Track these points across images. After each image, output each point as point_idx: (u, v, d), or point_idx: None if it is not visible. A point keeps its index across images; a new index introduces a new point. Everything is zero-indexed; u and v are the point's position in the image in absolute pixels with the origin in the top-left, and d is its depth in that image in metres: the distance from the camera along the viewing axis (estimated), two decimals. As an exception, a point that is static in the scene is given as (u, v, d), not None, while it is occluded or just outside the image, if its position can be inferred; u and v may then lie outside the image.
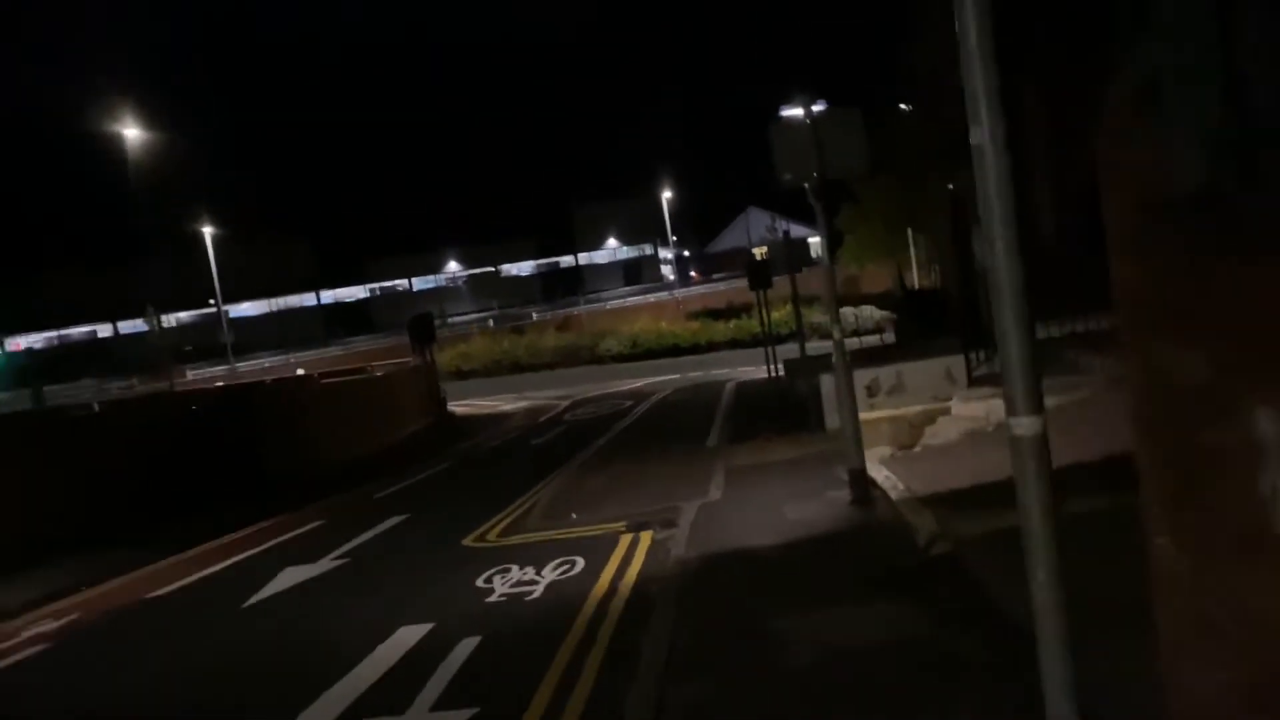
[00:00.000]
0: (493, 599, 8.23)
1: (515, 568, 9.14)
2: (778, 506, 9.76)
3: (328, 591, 9.73)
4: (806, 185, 9.13)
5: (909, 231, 38.20)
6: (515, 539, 10.64)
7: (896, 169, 35.74)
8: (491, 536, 10.96)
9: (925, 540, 7.35)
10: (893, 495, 8.64)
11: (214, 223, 58.06)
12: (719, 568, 7.98)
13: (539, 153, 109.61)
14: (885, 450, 10.48)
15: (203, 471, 17.53)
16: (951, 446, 10.04)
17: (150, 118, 41.71)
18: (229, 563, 12.13)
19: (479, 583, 8.78)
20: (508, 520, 11.76)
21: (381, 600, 8.93)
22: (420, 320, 29.71)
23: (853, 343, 32.54)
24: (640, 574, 8.35)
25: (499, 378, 40.58)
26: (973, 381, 13.95)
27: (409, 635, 7.53)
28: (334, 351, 51.80)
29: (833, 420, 14.20)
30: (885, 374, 14.12)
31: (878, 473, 9.59)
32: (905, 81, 31.41)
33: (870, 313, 39.45)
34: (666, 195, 58.21)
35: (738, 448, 14.67)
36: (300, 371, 45.03)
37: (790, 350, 33.36)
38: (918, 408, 10.52)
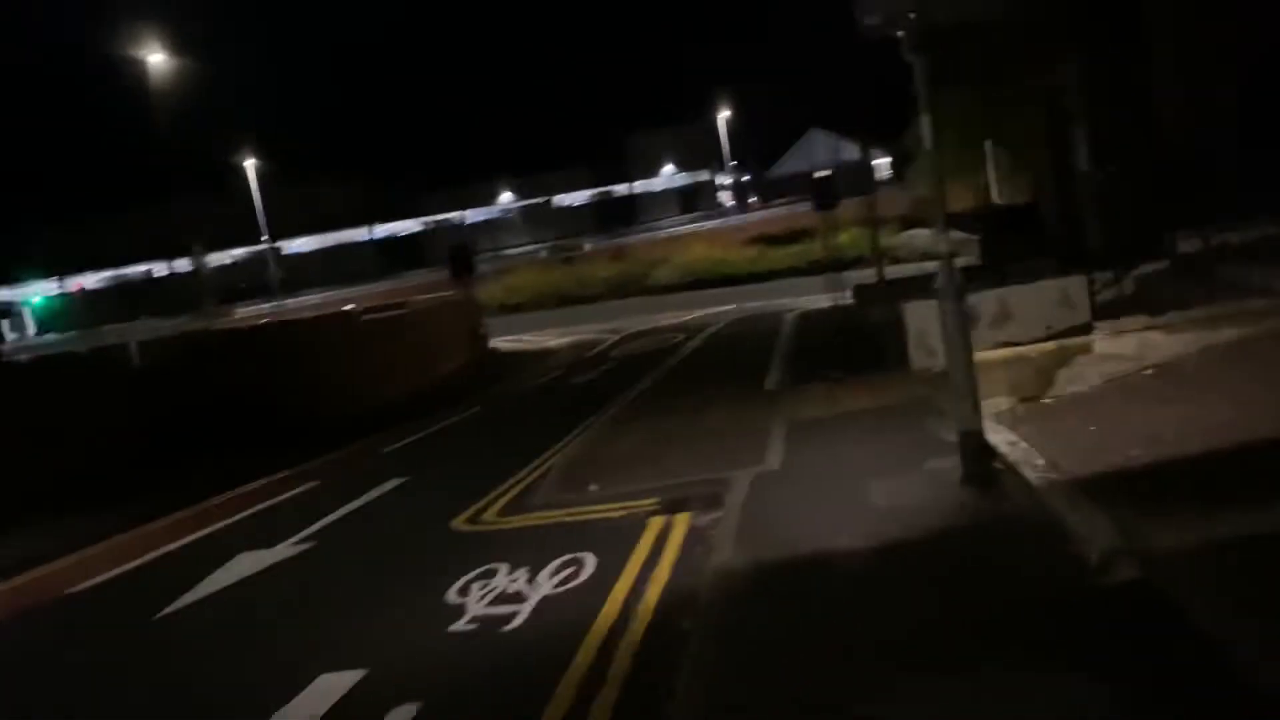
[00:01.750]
0: (459, 625, 5.78)
1: (503, 569, 6.68)
2: (859, 483, 7.11)
3: (263, 598, 7.41)
4: (900, 32, 6.30)
5: (986, 145, 34.45)
6: (516, 520, 8.19)
7: (971, 75, 32.03)
8: (490, 515, 8.52)
9: (1099, 556, 4.66)
10: (1029, 474, 5.92)
11: (265, 159, 56.26)
12: (779, 589, 5.41)
13: (593, 77, 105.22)
14: (1002, 402, 7.71)
15: (211, 420, 15.54)
16: (1099, 397, 7.24)
17: (199, 50, 39.49)
18: (187, 540, 9.93)
19: (450, 595, 6.34)
20: (518, 489, 9.32)
21: (316, 620, 6.57)
22: (458, 251, 27.32)
23: (926, 267, 29.33)
24: (668, 588, 5.81)
25: (547, 311, 38.12)
26: (1098, 310, 11.02)
27: (327, 689, 5.13)
28: (383, 286, 49.83)
29: (920, 358, 11.42)
30: (986, 301, 11.24)
31: (999, 436, 6.87)
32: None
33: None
34: (724, 116, 54.38)
35: (802, 393, 11.98)
36: (349, 307, 43.21)
37: (858, 277, 30.29)
38: (1045, 344, 7.71)
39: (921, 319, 11.40)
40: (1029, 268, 18.64)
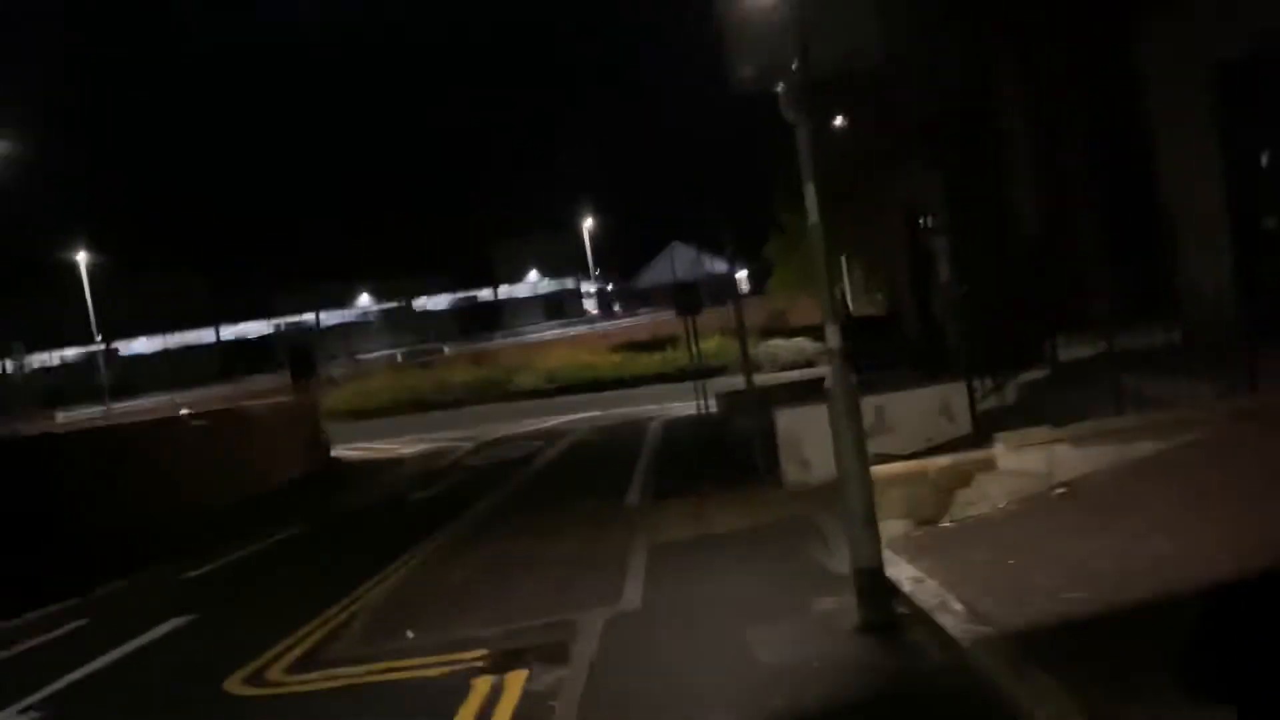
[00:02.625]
0: None
1: (270, 764, 4.92)
2: (735, 630, 5.73)
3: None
4: (779, 87, 5.25)
5: (843, 259, 34.94)
6: (305, 680, 6.39)
7: (829, 185, 32.61)
8: (276, 672, 6.67)
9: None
10: (947, 623, 4.67)
11: (102, 255, 52.35)
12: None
13: (455, 181, 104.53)
14: (896, 526, 6.53)
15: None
16: (1009, 521, 6.15)
17: (33, 137, 36.37)
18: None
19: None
20: (321, 633, 7.49)
21: None
22: (298, 352, 25.16)
23: (785, 377, 28.89)
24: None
25: (402, 417, 35.88)
26: (980, 420, 10.18)
27: None
28: (225, 390, 46.37)
29: (794, 471, 10.30)
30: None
31: (899, 570, 5.64)
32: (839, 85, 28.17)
33: (801, 345, 35.96)
34: (588, 225, 54.31)
35: (666, 510, 10.62)
36: (185, 411, 39.82)
37: (723, 384, 29.53)
38: (939, 459, 6.64)
39: (794, 428, 10.34)
40: (894, 377, 18.16)
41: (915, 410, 10.24)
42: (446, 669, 6.07)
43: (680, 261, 67.90)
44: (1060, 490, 6.34)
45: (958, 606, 4.81)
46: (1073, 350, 10.45)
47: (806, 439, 10.25)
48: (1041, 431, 6.64)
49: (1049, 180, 13.85)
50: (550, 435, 25.75)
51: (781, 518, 8.97)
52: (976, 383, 10.24)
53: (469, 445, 26.66)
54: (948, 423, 10.26)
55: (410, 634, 6.92)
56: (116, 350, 61.41)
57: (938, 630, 4.73)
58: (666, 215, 74.12)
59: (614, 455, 17.71)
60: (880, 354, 20.75)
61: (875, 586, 5.33)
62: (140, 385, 57.66)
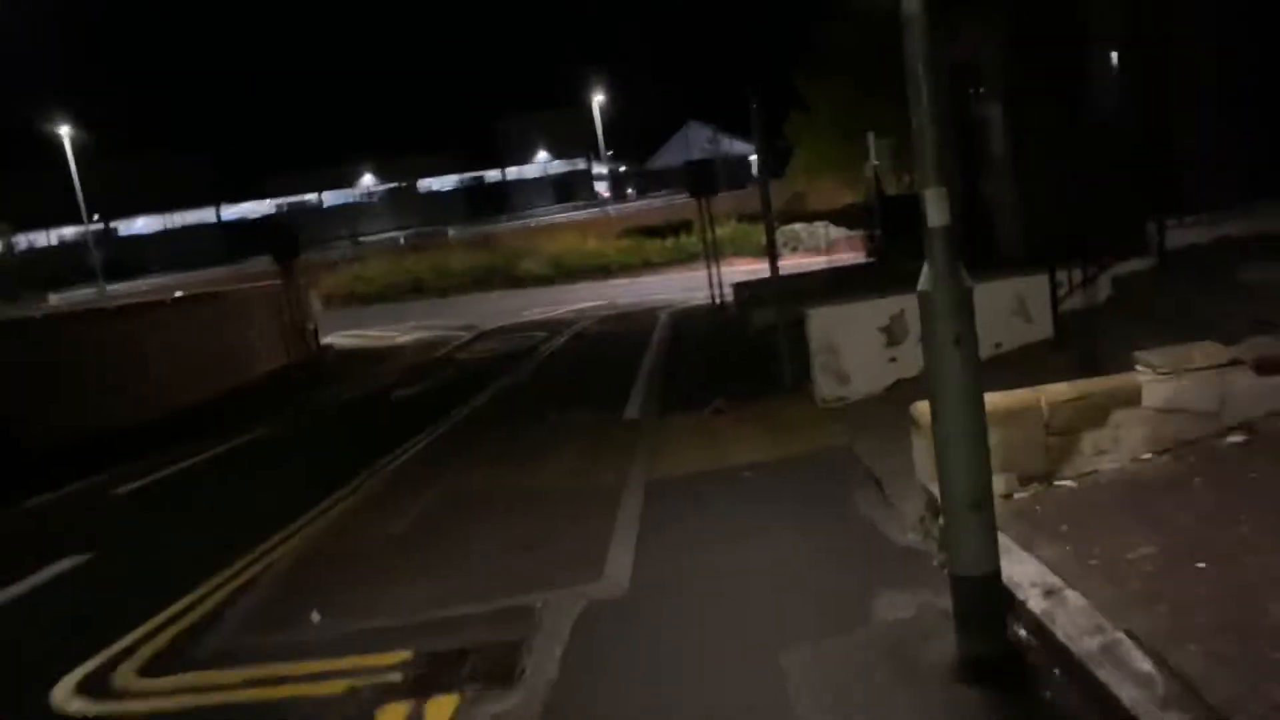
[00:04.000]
0: None
1: None
2: (762, 649, 3.80)
3: None
4: None
5: (870, 137, 32.13)
6: (159, 690, 4.55)
7: (854, 64, 29.60)
8: (126, 673, 4.81)
9: None
10: (1122, 693, 2.70)
11: (98, 130, 49.60)
12: None
13: (460, 54, 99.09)
14: (993, 483, 4.54)
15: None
16: (1168, 484, 4.13)
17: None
18: None
19: None
20: (211, 601, 5.64)
21: None
22: (277, 232, 23.06)
23: (807, 263, 26.56)
24: None
25: (403, 303, 33.91)
26: (1063, 322, 8.09)
27: None
28: (225, 271, 44.31)
29: (828, 384, 8.28)
30: (913, 306, 8.15)
31: (1014, 565, 3.67)
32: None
33: (824, 230, 33.55)
34: (599, 100, 50.81)
35: (672, 427, 8.66)
36: (178, 294, 38.03)
37: (741, 272, 27.32)
38: (1062, 389, 4.52)
39: (829, 331, 8.27)
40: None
41: (981, 308, 8.11)
42: (349, 682, 4.21)
43: (696, 141, 64.59)
44: (1239, 438, 4.30)
45: (1142, 664, 2.83)
46: (1182, 236, 8.26)
47: (844, 345, 8.21)
48: (1207, 349, 4.56)
49: (1145, 45, 11.29)
50: (553, 326, 23.82)
51: (816, 446, 6.99)
52: (1060, 274, 8.11)
53: (467, 336, 24.79)
54: (1023, 324, 8.16)
55: (317, 616, 5.05)
56: (115, 230, 59.30)
57: (1105, 697, 2.77)
58: (682, 92, 70.39)
59: (619, 353, 15.73)
60: (915, 239, 18.50)
61: (986, 604, 3.36)
62: (139, 266, 55.79)
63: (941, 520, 4.44)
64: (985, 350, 7.72)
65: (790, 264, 29.62)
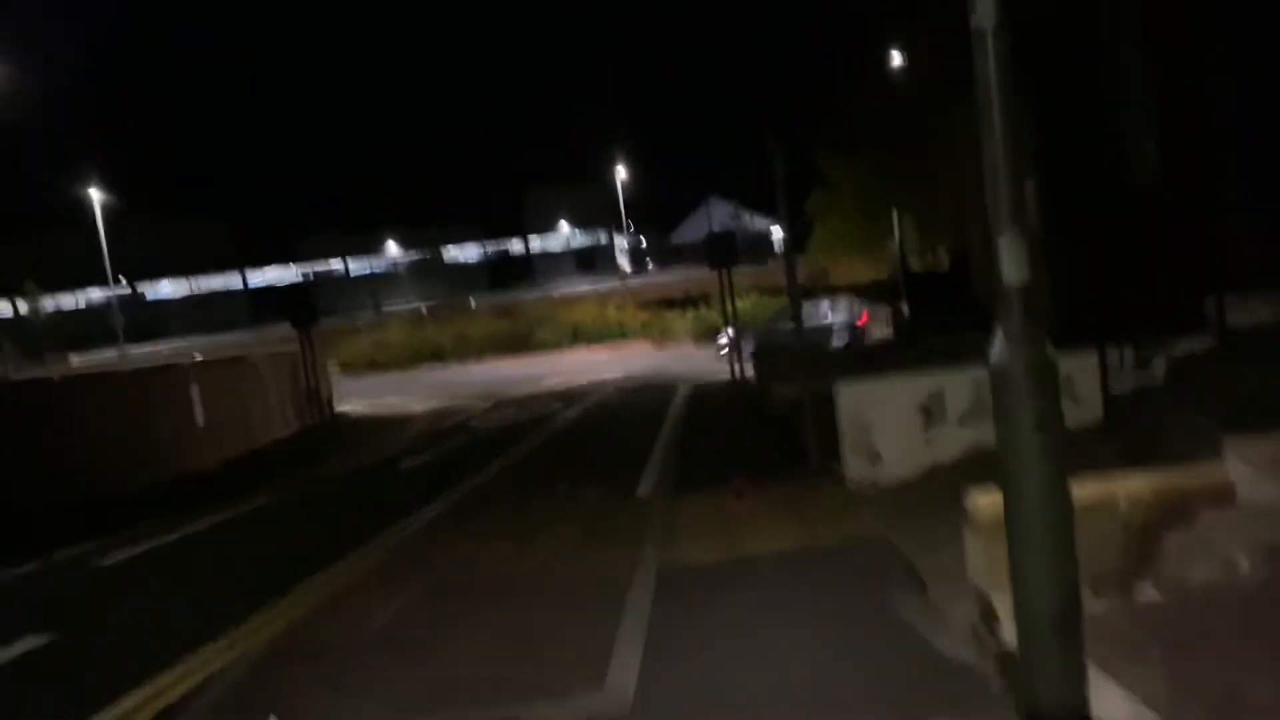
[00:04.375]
0: None
1: None
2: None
3: None
4: None
5: (894, 213, 31.82)
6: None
7: (876, 143, 29.39)
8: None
9: None
10: None
11: (124, 195, 50.29)
12: None
13: (487, 129, 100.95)
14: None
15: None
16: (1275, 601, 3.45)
17: (56, 76, 34.13)
18: None
19: None
20: (163, 700, 4.99)
21: None
22: (297, 297, 22.83)
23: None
24: None
25: (420, 371, 33.55)
26: (1113, 404, 7.44)
27: None
28: (243, 336, 44.30)
29: (859, 464, 7.63)
30: (953, 385, 7.53)
31: (1105, 703, 2.97)
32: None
33: (847, 303, 32.99)
34: (621, 175, 51.13)
35: (687, 508, 7.98)
36: (198, 357, 37.91)
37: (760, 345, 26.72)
38: (1139, 483, 3.88)
39: (861, 409, 7.64)
40: (969, 342, 15.23)
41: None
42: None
43: (717, 216, 64.81)
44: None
45: None
46: (1244, 312, 7.63)
47: (877, 424, 7.57)
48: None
49: (1181, 108, 10.84)
50: (570, 396, 23.27)
51: (847, 536, 6.31)
52: (1126, 352, 7.49)
53: (483, 405, 24.29)
54: (1071, 405, 7.48)
55: (274, 723, 4.38)
56: (142, 294, 59.74)
57: None
58: (704, 169, 70.98)
59: (633, 426, 15.13)
60: (947, 316, 17.93)
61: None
62: (164, 329, 56.02)
63: (1004, 635, 3.77)
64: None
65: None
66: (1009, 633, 3.69)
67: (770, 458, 9.61)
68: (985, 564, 3.96)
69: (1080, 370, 7.53)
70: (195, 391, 17.93)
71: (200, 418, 17.77)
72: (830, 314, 23.94)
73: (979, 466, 7.13)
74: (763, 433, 11.92)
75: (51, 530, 11.27)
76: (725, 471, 8.86)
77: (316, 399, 23.03)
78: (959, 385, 7.52)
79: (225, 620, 6.16)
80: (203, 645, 5.71)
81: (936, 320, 18.02)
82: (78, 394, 15.74)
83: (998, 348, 2.88)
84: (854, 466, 7.56)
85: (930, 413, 7.52)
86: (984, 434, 7.40)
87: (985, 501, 3.93)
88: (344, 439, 20.48)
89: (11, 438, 13.04)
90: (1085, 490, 4.01)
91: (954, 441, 7.48)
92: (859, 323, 23.94)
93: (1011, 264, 2.81)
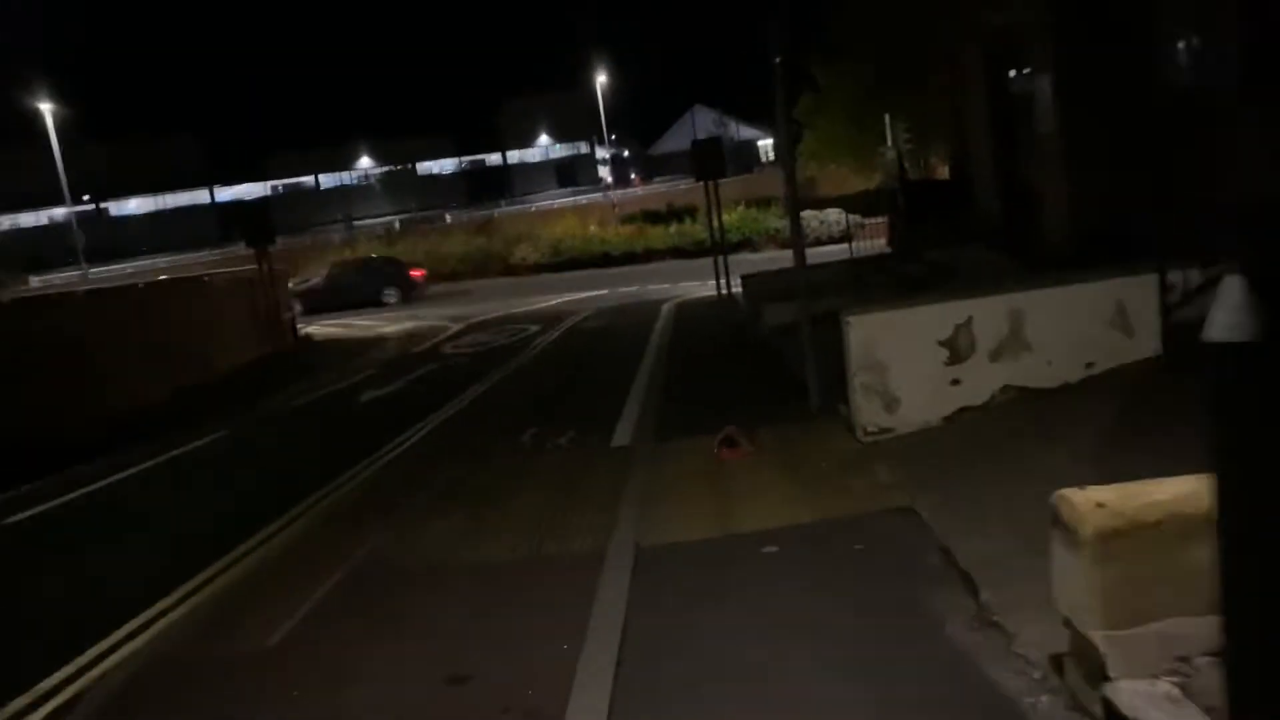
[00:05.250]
0: None
1: None
2: None
3: None
4: None
5: (886, 118, 30.14)
6: None
7: (869, 50, 27.54)
8: None
9: None
10: None
11: (85, 109, 47.72)
12: None
13: (461, 35, 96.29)
14: (1095, 641, 2.73)
15: None
16: None
17: None
18: None
19: None
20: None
21: None
22: (252, 215, 21.27)
23: (820, 253, 24.61)
24: None
25: (393, 290, 31.98)
26: (1174, 333, 6.27)
27: None
28: (210, 257, 42.44)
29: (870, 409, 6.47)
30: (984, 313, 6.32)
31: None
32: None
33: (836, 216, 31.59)
34: (601, 82, 48.56)
35: (671, 463, 6.82)
36: (162, 277, 36.31)
37: (751, 261, 25.56)
38: (1186, 486, 2.76)
39: (875, 344, 6.43)
40: (977, 262, 13.99)
41: (1069, 316, 6.29)
42: None
43: (702, 125, 62.53)
44: None
45: None
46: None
47: (894, 362, 6.38)
48: None
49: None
50: (547, 318, 21.99)
51: (863, 505, 5.18)
52: (1190, 271, 6.27)
53: (457, 326, 23.00)
54: (1122, 338, 6.32)
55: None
56: (106, 211, 57.47)
57: None
58: (688, 76, 68.35)
59: (614, 353, 13.93)
60: (944, 228, 16.61)
61: None
62: (130, 248, 54.05)
63: (1122, 700, 2.64)
64: (1074, 371, 5.87)
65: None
66: (1131, 700, 2.56)
67: (763, 395, 8.46)
68: (1079, 587, 2.82)
69: (1136, 296, 6.33)
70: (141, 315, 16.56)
71: (150, 343, 16.45)
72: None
73: (1017, 411, 6.00)
74: (754, 362, 10.74)
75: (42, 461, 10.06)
76: (713, 412, 7.68)
77: (278, 323, 21.64)
78: (990, 313, 6.32)
79: (102, 624, 5.01)
80: (71, 657, 4.56)
81: (936, 232, 16.73)
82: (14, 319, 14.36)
83: (1221, 315, 1.66)
84: (866, 411, 6.39)
85: (956, 347, 6.33)
86: (1021, 371, 6.24)
87: (1090, 506, 2.75)
88: (309, 364, 19.19)
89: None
90: (1112, 494, 2.85)
91: (985, 380, 6.32)
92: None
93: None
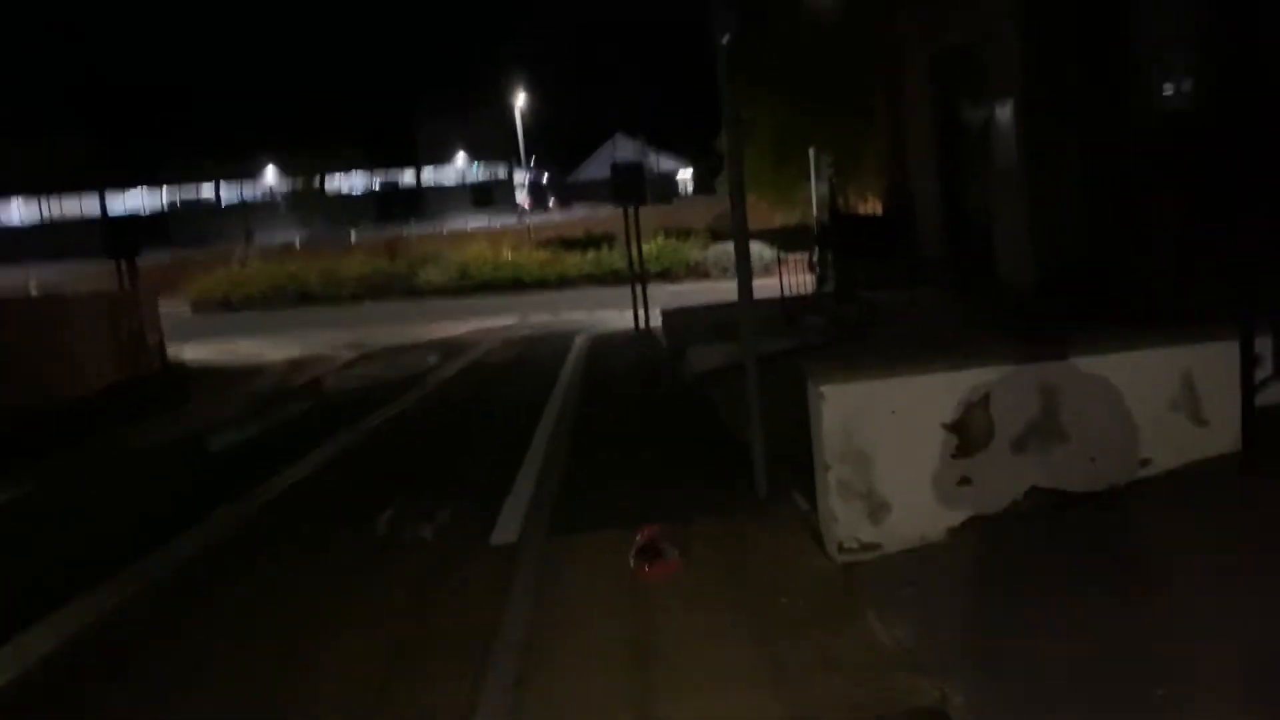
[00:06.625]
0: None
1: None
2: None
3: None
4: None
5: (811, 153, 28.84)
6: None
7: (792, 83, 26.27)
8: None
9: None
10: None
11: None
12: None
13: (382, 53, 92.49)
14: None
15: None
16: None
17: None
18: None
19: None
20: None
21: None
22: (116, 228, 18.63)
23: (728, 287, 22.97)
24: None
25: (283, 312, 29.26)
26: (1255, 421, 4.56)
27: None
28: (94, 268, 38.79)
29: (851, 516, 4.55)
30: (1007, 387, 4.52)
31: None
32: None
33: (760, 250, 30.14)
34: (520, 103, 46.41)
35: (568, 575, 4.81)
36: (33, 292, 32.78)
37: (669, 293, 23.94)
38: None
39: (856, 423, 4.53)
40: (907, 299, 12.54)
41: (1120, 395, 4.54)
42: None
43: (623, 154, 61.06)
44: None
45: None
46: None
47: (882, 450, 4.50)
48: None
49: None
50: (451, 347, 19.83)
51: (863, 699, 3.24)
52: None
53: (349, 355, 20.62)
54: (1191, 425, 4.58)
55: None
56: (-14, 216, 52.84)
57: None
58: (610, 105, 67.11)
59: (517, 396, 11.87)
60: (881, 267, 15.10)
61: None
62: (17, 256, 49.84)
63: None
64: (1123, 470, 4.13)
65: (714, 287, 26.11)
66: None
67: (694, 460, 6.54)
68: None
69: (1207, 368, 4.61)
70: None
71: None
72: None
73: (1050, 525, 4.18)
74: (680, 413, 8.85)
75: None
76: (628, 482, 5.73)
77: (142, 346, 18.89)
78: (1015, 387, 4.51)
79: None
80: None
81: (868, 271, 15.22)
82: None
83: None
84: (844, 520, 4.50)
85: (967, 432, 4.50)
86: (1054, 469, 4.45)
87: None
88: (172, 394, 16.60)
89: None
90: None
91: (1006, 480, 4.50)
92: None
93: None
